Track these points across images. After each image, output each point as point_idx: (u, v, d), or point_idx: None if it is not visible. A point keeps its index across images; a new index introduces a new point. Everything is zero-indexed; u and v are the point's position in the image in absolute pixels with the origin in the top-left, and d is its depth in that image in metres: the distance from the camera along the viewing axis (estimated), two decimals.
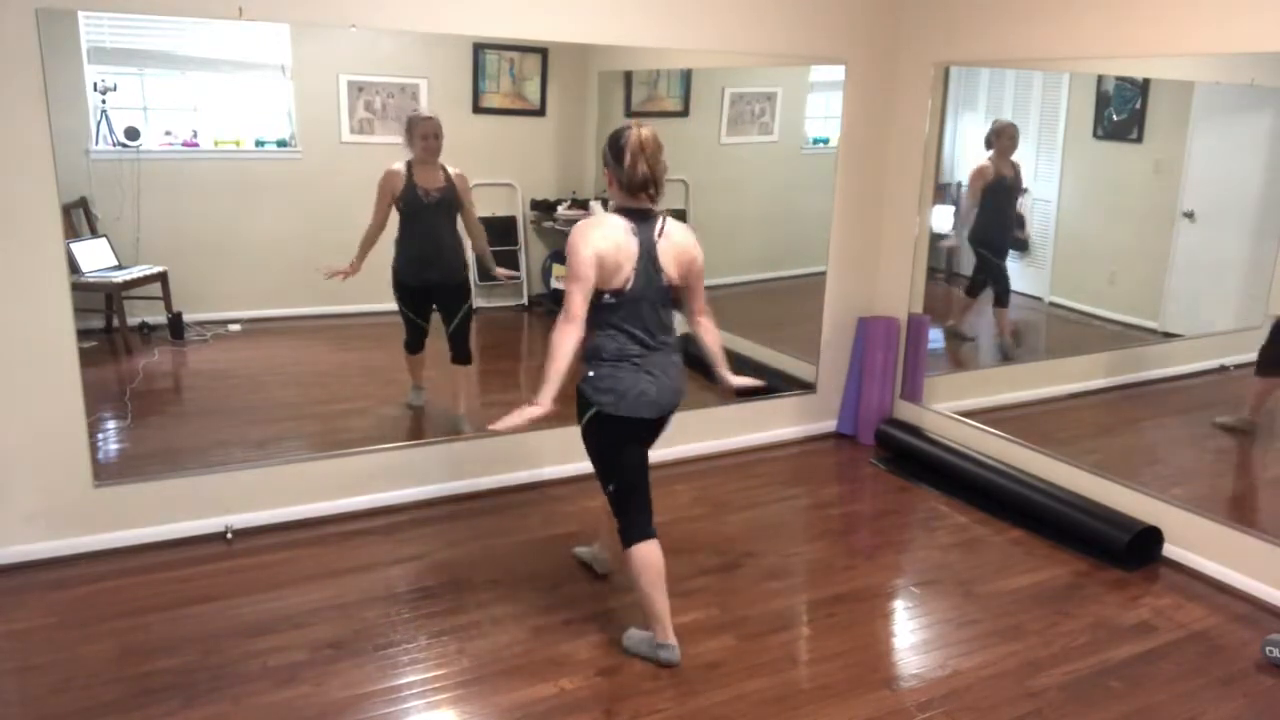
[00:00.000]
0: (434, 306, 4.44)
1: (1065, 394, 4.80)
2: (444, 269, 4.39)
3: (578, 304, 2.81)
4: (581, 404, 2.96)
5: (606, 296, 2.87)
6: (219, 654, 3.01)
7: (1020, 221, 4.85)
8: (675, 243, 2.96)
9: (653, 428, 3.01)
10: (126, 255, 4.02)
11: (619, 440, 2.97)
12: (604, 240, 2.84)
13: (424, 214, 4.22)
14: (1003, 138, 4.73)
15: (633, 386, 2.89)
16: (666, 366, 2.96)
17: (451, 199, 4.26)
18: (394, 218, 4.21)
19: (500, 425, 2.83)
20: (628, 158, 2.83)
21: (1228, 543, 3.66)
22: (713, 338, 3.15)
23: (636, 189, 2.87)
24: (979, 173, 4.80)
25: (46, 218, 3.34)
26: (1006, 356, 5.16)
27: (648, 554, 2.97)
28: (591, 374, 2.92)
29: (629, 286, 2.86)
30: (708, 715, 2.79)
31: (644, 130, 2.86)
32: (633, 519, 2.99)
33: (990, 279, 5.00)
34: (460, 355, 4.51)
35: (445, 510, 4.09)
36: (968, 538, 4.01)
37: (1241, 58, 3.55)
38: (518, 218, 5.02)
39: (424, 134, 4.16)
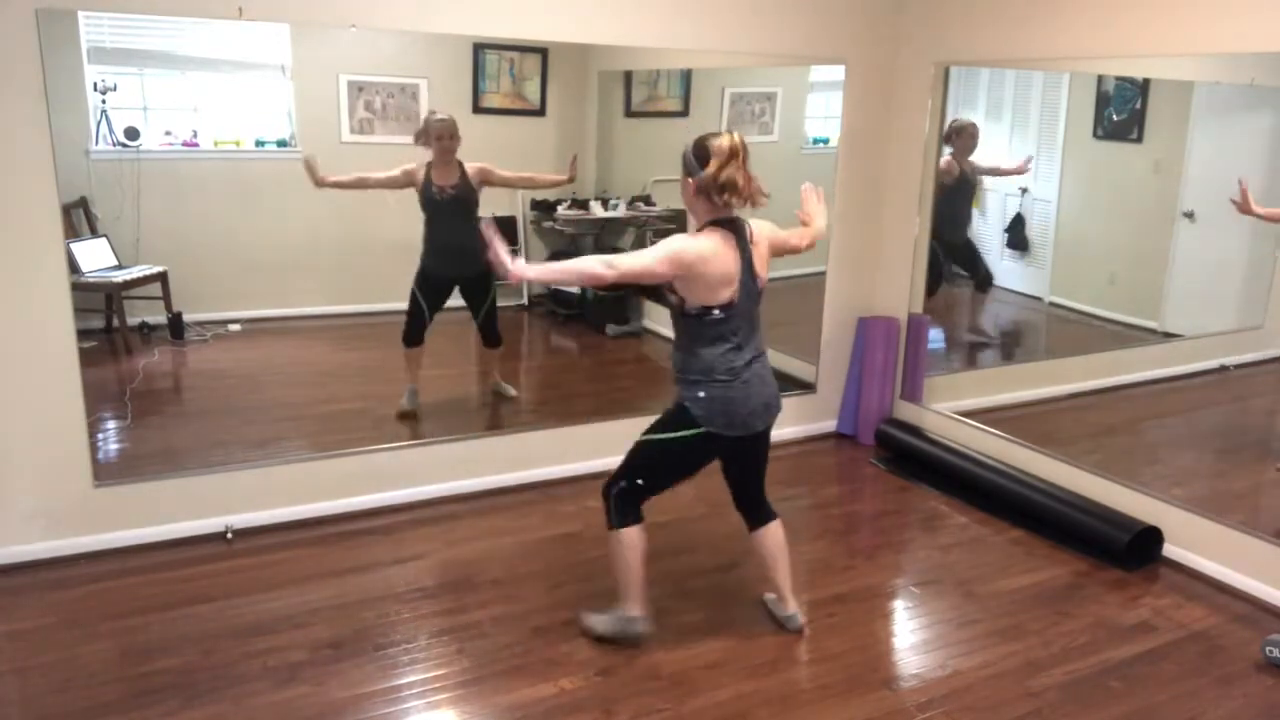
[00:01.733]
0: (460, 296, 4.51)
1: (1065, 394, 4.80)
2: (465, 262, 4.38)
3: (633, 271, 2.78)
4: (684, 419, 2.93)
5: (716, 312, 2.82)
6: (219, 654, 3.01)
7: (1021, 221, 4.85)
8: (762, 243, 2.93)
9: (758, 439, 3.03)
10: (126, 255, 4.03)
11: (706, 457, 3.02)
12: (716, 253, 2.79)
13: (441, 211, 4.29)
14: (963, 136, 4.76)
15: (744, 405, 2.89)
16: (765, 374, 2.96)
17: (467, 195, 4.31)
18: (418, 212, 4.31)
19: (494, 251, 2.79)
20: (717, 162, 2.76)
21: (1228, 543, 3.66)
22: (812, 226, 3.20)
23: (725, 193, 2.78)
24: (944, 169, 4.81)
25: (46, 218, 3.34)
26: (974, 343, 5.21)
27: (638, 535, 3.04)
28: (703, 395, 2.89)
29: (736, 299, 2.83)
30: (708, 715, 2.80)
31: (736, 135, 2.80)
32: (637, 513, 3.03)
33: (965, 269, 5.05)
34: (490, 340, 4.65)
35: (445, 510, 4.09)
36: (968, 538, 4.01)
37: (1241, 58, 3.55)
38: (518, 218, 5.03)
39: (439, 135, 4.22)
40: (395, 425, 4.45)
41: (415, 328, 4.46)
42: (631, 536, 3.02)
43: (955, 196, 4.89)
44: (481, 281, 4.50)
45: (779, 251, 3.06)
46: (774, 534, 3.18)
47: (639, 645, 3.09)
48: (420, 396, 4.53)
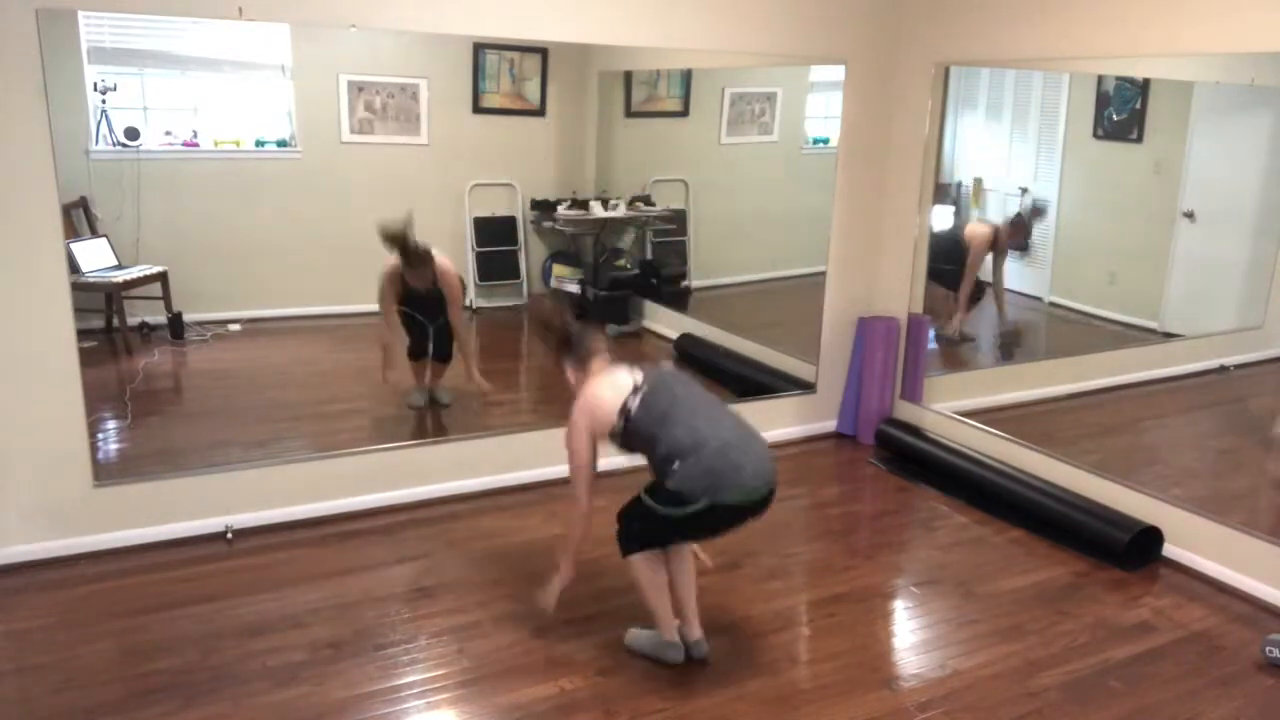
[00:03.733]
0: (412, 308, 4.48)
1: (1065, 394, 4.80)
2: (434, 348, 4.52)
3: (582, 468, 3.00)
4: None
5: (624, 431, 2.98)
6: (219, 654, 3.01)
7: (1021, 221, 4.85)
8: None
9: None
10: (126, 255, 4.03)
11: (699, 524, 2.92)
12: (597, 398, 2.98)
13: (418, 304, 4.34)
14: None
15: (728, 468, 2.86)
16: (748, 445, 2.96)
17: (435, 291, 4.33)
18: None
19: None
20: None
21: (1228, 543, 3.66)
22: None
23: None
24: None
25: (46, 218, 3.34)
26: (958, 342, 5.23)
27: (653, 559, 2.96)
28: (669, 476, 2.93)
29: (634, 411, 2.94)
30: (708, 715, 2.80)
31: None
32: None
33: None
34: (441, 354, 4.58)
35: (445, 510, 4.09)
36: (968, 538, 4.01)
37: (1241, 58, 3.55)
38: (518, 218, 5.02)
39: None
40: (395, 425, 4.45)
41: (419, 338, 4.48)
42: (647, 560, 2.96)
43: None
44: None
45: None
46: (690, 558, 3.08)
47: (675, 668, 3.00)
48: (427, 395, 4.56)
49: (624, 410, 2.89)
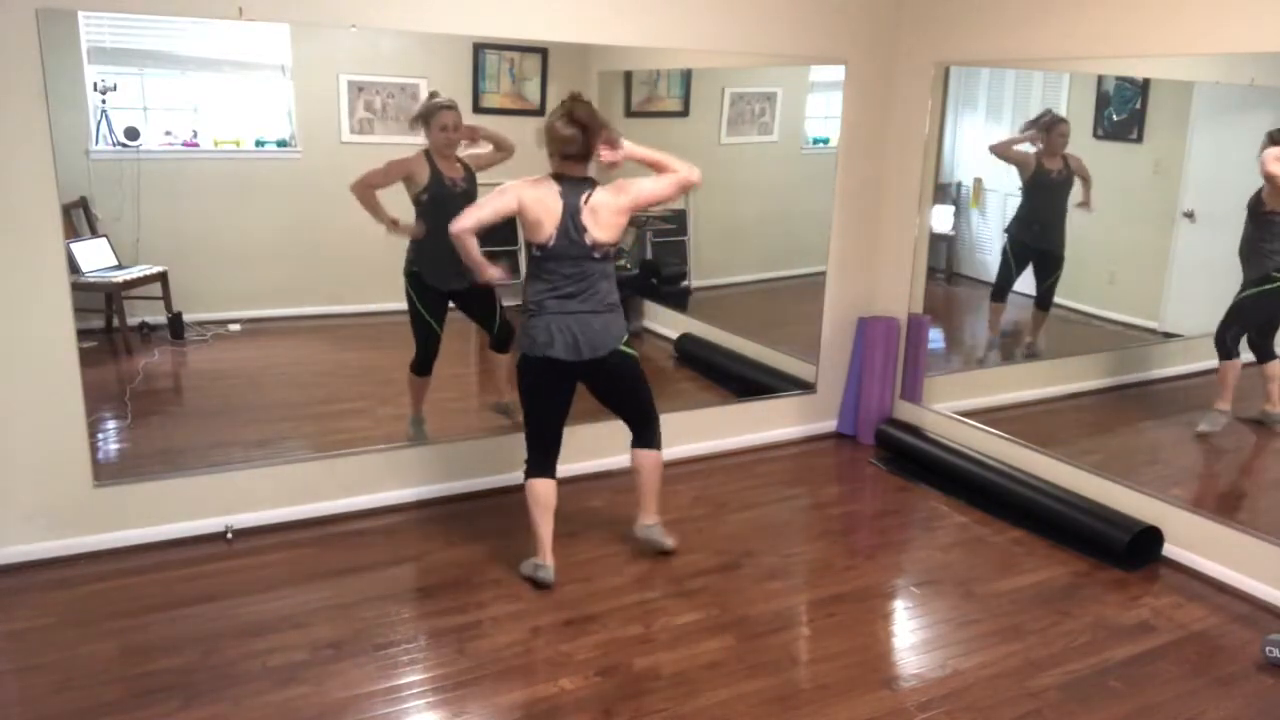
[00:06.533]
0: (464, 311, 4.26)
1: (1065, 394, 4.80)
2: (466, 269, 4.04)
3: (470, 219, 3.25)
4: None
5: (534, 249, 3.27)
6: (219, 654, 3.01)
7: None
8: (601, 204, 3.24)
9: (570, 373, 3.34)
10: (126, 255, 4.02)
11: (532, 381, 3.36)
12: (529, 192, 3.23)
13: (451, 208, 3.61)
14: (1052, 134, 4.54)
15: (542, 332, 3.27)
16: (587, 321, 3.28)
17: (473, 189, 4.03)
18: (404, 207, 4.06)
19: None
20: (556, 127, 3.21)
21: (1228, 543, 3.65)
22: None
23: (564, 156, 3.23)
24: (1021, 161, 4.65)
25: (46, 218, 3.34)
26: (1030, 356, 5.12)
27: (541, 488, 3.41)
28: (522, 322, 3.37)
29: (551, 243, 3.22)
30: (708, 715, 2.80)
31: (574, 105, 3.22)
32: (532, 457, 3.42)
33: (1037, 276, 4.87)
34: (500, 345, 4.36)
35: (445, 510, 4.09)
36: (968, 538, 4.01)
37: (1241, 58, 3.55)
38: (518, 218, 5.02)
39: (442, 125, 3.98)
40: (395, 425, 4.44)
41: (428, 350, 4.19)
42: (533, 489, 3.40)
43: (1036, 195, 4.74)
44: (487, 293, 4.14)
45: (641, 207, 3.37)
46: (646, 458, 3.58)
47: (550, 590, 3.41)
48: (427, 427, 4.34)
49: (555, 234, 3.22)
